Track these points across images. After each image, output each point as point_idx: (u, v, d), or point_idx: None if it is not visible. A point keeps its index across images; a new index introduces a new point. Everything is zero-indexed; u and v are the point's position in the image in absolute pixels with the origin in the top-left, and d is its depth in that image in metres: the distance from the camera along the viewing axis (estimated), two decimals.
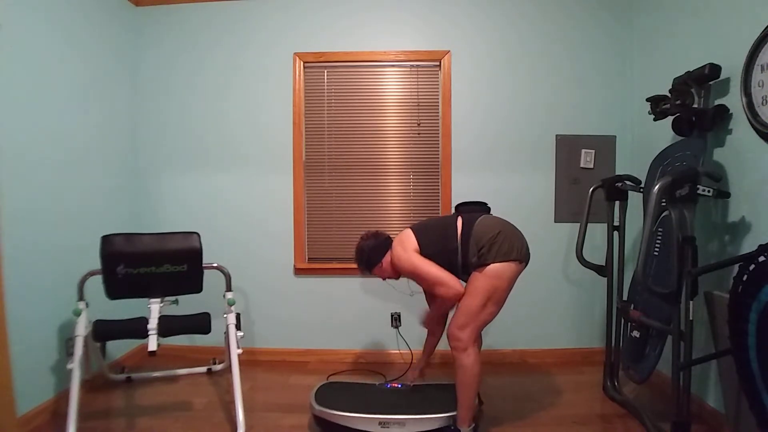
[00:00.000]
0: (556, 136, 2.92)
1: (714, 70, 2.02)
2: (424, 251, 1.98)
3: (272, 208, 2.98)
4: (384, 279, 2.15)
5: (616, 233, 2.47)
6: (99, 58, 2.67)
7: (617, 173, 2.72)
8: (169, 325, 2.14)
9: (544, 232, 2.95)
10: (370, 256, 2.09)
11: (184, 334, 2.34)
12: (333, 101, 2.95)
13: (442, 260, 1.95)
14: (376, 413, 1.97)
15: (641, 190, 2.36)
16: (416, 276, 2.00)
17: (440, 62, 2.91)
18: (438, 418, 1.96)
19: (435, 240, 2.00)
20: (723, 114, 2.00)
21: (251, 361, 2.89)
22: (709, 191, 1.90)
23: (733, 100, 1.97)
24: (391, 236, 2.18)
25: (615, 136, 2.92)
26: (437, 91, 2.94)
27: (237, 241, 2.99)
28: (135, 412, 2.29)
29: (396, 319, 2.98)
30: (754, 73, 1.85)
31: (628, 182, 2.41)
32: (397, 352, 2.98)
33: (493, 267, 1.86)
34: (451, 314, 2.04)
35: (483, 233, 1.91)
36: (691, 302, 1.81)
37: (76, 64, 2.47)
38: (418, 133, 2.95)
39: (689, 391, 1.83)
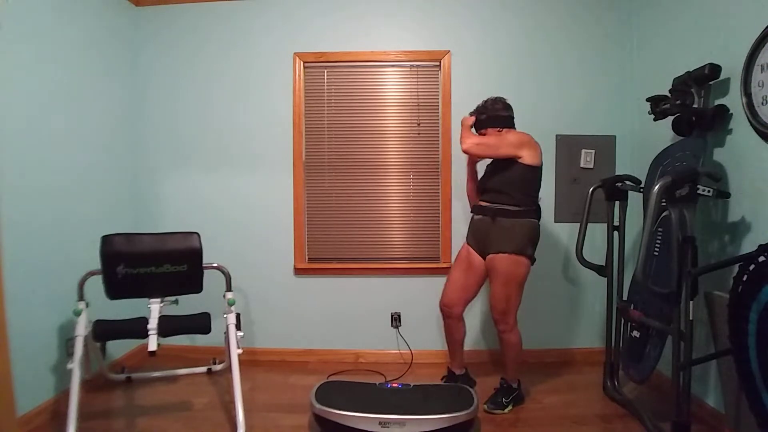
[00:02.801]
0: (556, 136, 2.92)
1: (714, 70, 2.02)
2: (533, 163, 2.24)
3: (272, 209, 2.98)
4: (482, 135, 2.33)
5: (616, 233, 2.47)
6: (98, 59, 2.67)
7: (617, 173, 2.71)
8: (169, 325, 2.13)
9: (544, 232, 2.94)
10: (508, 120, 2.32)
11: (184, 334, 2.34)
12: (333, 101, 2.95)
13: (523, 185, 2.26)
14: (376, 413, 1.97)
15: (641, 190, 2.36)
16: (507, 140, 2.24)
17: (440, 62, 2.91)
18: (438, 418, 1.96)
19: (537, 185, 2.31)
20: (723, 114, 2.00)
21: (251, 361, 2.89)
22: (709, 191, 1.90)
23: (733, 100, 1.97)
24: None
25: (615, 136, 2.92)
26: (437, 91, 2.94)
27: (237, 241, 2.99)
28: (135, 412, 2.29)
29: (396, 319, 2.98)
30: (754, 73, 1.85)
31: (628, 182, 2.41)
32: (397, 352, 2.97)
33: (518, 257, 2.20)
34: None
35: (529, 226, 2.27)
36: (691, 302, 1.81)
37: (75, 66, 2.47)
38: (418, 133, 2.95)
39: (689, 391, 1.83)
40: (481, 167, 2.47)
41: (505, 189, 2.24)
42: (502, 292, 2.22)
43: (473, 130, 2.36)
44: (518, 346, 2.30)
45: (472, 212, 2.42)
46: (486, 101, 2.34)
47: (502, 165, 2.25)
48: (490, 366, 2.87)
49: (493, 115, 2.30)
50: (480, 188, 2.39)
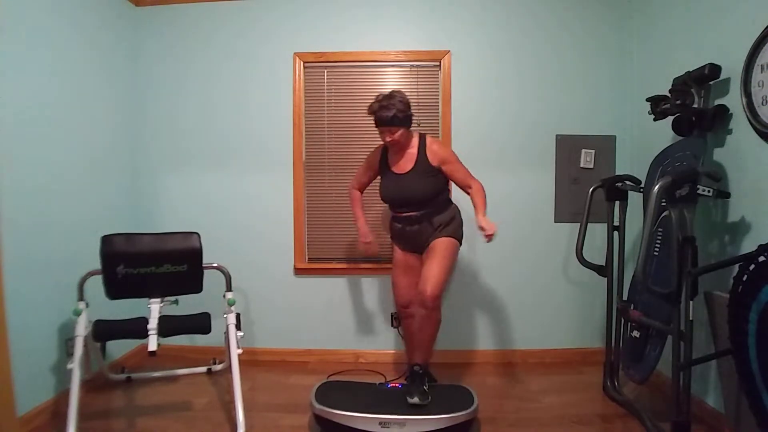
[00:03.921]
0: (556, 136, 2.92)
1: (714, 70, 2.02)
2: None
3: (272, 208, 2.98)
4: (389, 141, 2.25)
5: (616, 233, 2.47)
6: (99, 58, 2.67)
7: (617, 173, 2.72)
8: (169, 325, 2.14)
9: (544, 232, 2.95)
10: (410, 118, 2.27)
11: (184, 334, 2.34)
12: (333, 101, 2.95)
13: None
14: (376, 413, 1.97)
15: (641, 190, 2.36)
16: (452, 160, 2.28)
17: (440, 62, 2.91)
18: (438, 418, 1.96)
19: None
20: (723, 114, 2.00)
21: (251, 361, 2.89)
22: (709, 191, 1.90)
23: (733, 100, 1.97)
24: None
25: (615, 136, 2.92)
26: (437, 91, 2.93)
27: (237, 241, 2.99)
28: (135, 412, 2.29)
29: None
30: (754, 73, 1.85)
31: (628, 182, 2.41)
32: (397, 352, 2.97)
33: (454, 240, 2.30)
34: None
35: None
36: (691, 302, 1.81)
37: (76, 65, 2.47)
38: None
39: (689, 391, 1.83)
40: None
41: (430, 199, 2.27)
42: (439, 265, 2.19)
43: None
44: (438, 326, 2.32)
45: (396, 222, 2.37)
46: (393, 97, 2.21)
47: (423, 178, 2.24)
48: (490, 367, 2.87)
49: (409, 113, 2.25)
50: (397, 202, 2.33)
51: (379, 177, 2.45)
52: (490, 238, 2.09)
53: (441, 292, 2.21)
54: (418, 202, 2.28)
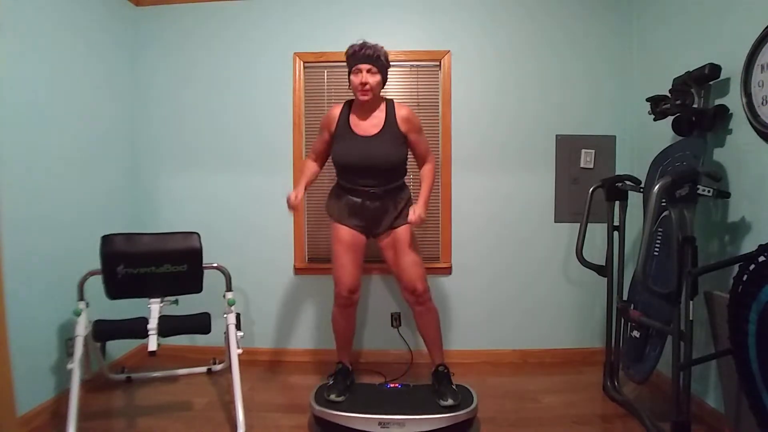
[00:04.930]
0: (556, 136, 2.92)
1: (714, 70, 2.02)
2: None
3: (272, 208, 2.98)
4: (362, 82, 2.03)
5: (616, 233, 2.47)
6: (98, 58, 2.67)
7: (617, 173, 2.72)
8: (169, 325, 2.14)
9: (544, 232, 2.95)
10: (387, 72, 2.15)
11: (184, 334, 2.34)
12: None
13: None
14: (376, 413, 1.97)
15: (641, 190, 2.36)
16: (420, 130, 2.20)
17: (440, 62, 2.91)
18: (438, 418, 1.96)
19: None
20: (723, 114, 2.00)
21: (251, 361, 2.89)
22: (709, 191, 1.90)
23: (733, 100, 1.97)
24: None
25: (615, 136, 2.92)
26: (437, 91, 2.93)
27: (237, 241, 2.99)
28: (135, 412, 2.29)
29: (396, 319, 2.98)
30: (754, 73, 1.85)
31: (628, 182, 2.41)
32: (397, 352, 2.97)
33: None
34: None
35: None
36: (691, 302, 1.81)
37: (75, 65, 2.47)
38: None
39: (689, 391, 1.83)
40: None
41: (396, 171, 2.19)
42: (416, 258, 2.20)
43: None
44: (438, 314, 2.28)
45: (354, 196, 2.20)
46: (375, 44, 2.07)
47: (392, 144, 2.11)
48: (490, 367, 2.87)
49: (388, 67, 2.15)
50: (359, 169, 2.13)
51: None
52: (413, 225, 2.10)
53: (426, 282, 2.22)
54: (384, 172, 2.13)
